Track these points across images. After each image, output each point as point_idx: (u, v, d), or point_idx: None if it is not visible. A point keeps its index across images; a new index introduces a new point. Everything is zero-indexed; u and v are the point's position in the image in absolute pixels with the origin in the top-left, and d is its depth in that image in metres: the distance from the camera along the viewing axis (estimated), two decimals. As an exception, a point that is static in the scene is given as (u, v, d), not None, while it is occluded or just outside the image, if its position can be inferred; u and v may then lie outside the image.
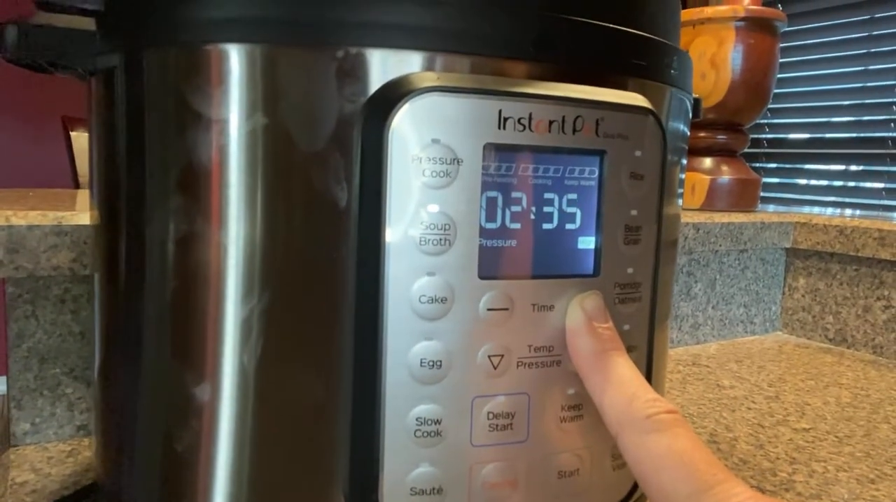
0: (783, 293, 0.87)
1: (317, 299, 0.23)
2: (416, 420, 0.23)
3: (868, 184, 1.90)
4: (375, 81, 0.22)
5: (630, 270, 0.25)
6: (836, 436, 0.53)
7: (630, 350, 0.25)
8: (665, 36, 0.27)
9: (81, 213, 0.42)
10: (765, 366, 0.72)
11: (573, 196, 0.24)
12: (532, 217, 0.23)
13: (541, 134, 0.22)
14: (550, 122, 0.22)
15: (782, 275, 0.86)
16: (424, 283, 0.22)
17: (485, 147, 0.22)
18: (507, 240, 0.23)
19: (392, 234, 0.22)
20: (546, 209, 0.23)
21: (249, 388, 0.24)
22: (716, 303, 0.80)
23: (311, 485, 0.24)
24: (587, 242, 0.24)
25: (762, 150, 2.07)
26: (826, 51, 1.92)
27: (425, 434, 0.23)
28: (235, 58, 0.22)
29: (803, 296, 0.85)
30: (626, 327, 0.25)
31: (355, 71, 0.22)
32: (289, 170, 0.22)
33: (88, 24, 0.26)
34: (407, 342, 0.22)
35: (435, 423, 0.23)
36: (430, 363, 0.22)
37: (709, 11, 0.78)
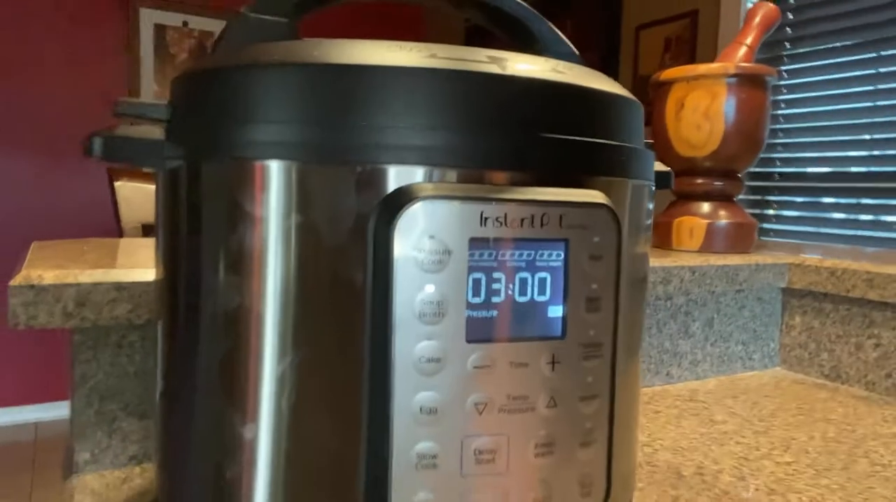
0: (781, 330, 0.91)
1: (338, 359, 0.29)
2: (418, 455, 0.28)
3: (886, 218, 1.92)
4: (386, 188, 0.28)
5: (592, 333, 0.31)
6: (815, 469, 0.57)
7: (593, 397, 0.31)
8: (625, 137, 0.33)
9: (137, 269, 0.49)
10: (759, 402, 0.76)
11: (543, 275, 0.30)
12: (510, 292, 0.29)
13: (515, 229, 0.29)
14: (522, 219, 0.29)
15: (780, 312, 0.91)
16: (423, 347, 0.28)
17: (470, 240, 0.28)
18: (490, 311, 0.29)
19: (398, 308, 0.28)
20: (521, 286, 0.29)
21: (284, 429, 0.30)
22: (714, 341, 0.85)
23: (333, 507, 0.30)
24: (556, 311, 0.30)
25: (774, 184, 2.11)
26: (834, 87, 1.97)
27: (425, 466, 0.29)
28: (276, 171, 0.29)
29: (800, 333, 0.89)
30: (590, 379, 0.31)
31: (371, 181, 0.28)
32: (317, 257, 0.29)
33: (159, 133, 0.33)
34: (410, 393, 0.28)
35: (432, 457, 0.29)
36: (429, 410, 0.28)
37: (702, 69, 0.84)
